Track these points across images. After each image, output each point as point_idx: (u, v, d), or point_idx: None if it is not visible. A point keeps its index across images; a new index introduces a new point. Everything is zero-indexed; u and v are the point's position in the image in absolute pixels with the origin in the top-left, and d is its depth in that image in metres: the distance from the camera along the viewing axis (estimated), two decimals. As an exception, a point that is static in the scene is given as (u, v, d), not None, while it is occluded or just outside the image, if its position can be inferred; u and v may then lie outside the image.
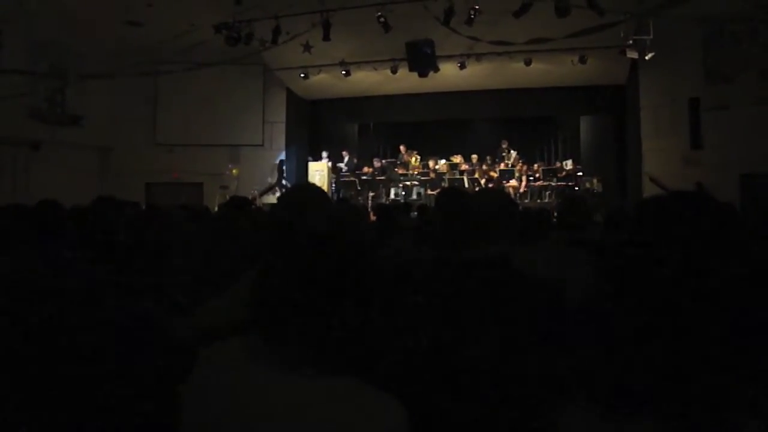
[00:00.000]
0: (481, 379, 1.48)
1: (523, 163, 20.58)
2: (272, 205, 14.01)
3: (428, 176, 20.22)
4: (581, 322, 1.42)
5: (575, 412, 1.29)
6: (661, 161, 17.33)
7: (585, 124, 22.58)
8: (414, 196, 20.00)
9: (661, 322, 1.22)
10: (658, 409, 1.20)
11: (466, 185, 18.86)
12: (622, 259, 1.32)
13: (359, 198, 19.93)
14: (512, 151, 20.99)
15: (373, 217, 8.82)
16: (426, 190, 19.78)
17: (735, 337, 1.18)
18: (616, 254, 1.34)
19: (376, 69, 19.37)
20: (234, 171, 20.68)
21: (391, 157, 22.04)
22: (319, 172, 20.82)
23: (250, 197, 16.63)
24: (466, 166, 20.66)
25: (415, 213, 11.58)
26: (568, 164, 20.10)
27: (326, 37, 15.86)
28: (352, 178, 20.70)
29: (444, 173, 20.27)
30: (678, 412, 1.18)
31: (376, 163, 21.51)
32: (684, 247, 1.23)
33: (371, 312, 1.54)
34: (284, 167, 21.51)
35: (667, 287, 1.22)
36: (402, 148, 21.91)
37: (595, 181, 19.33)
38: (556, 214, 5.97)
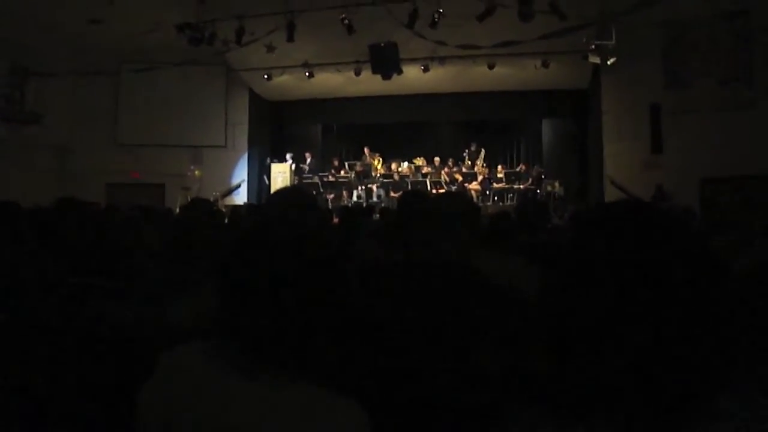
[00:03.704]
0: (441, 382, 1.49)
1: (486, 165, 20.70)
2: (248, 206, 13.88)
3: (391, 178, 20.24)
4: (533, 324, 1.44)
5: (529, 416, 1.30)
6: (622, 165, 17.49)
7: (547, 128, 22.78)
8: (375, 199, 20.01)
9: (605, 330, 1.24)
10: (611, 413, 1.22)
11: (429, 188, 18.94)
12: (567, 266, 1.34)
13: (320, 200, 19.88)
14: (483, 150, 21.09)
15: (335, 220, 8.80)
16: (388, 193, 19.78)
17: (684, 341, 1.20)
18: (561, 261, 1.36)
19: (339, 71, 19.39)
20: (197, 172, 20.54)
21: (354, 159, 22.04)
22: (281, 173, 20.77)
23: (212, 199, 16.55)
24: (429, 169, 20.73)
25: (377, 215, 11.59)
26: (534, 170, 20.24)
27: (290, 39, 15.83)
28: (314, 180, 20.66)
29: (407, 175, 20.31)
30: (631, 416, 1.20)
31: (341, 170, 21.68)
32: (629, 255, 1.26)
33: (339, 316, 1.55)
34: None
35: (610, 297, 1.24)
36: (366, 150, 21.91)
37: (556, 184, 19.47)
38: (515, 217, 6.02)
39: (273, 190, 18.07)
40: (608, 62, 16.07)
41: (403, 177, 20.14)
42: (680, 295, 1.21)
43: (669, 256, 1.24)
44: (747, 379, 1.26)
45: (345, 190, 20.69)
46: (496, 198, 19.90)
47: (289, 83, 20.51)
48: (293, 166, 21.23)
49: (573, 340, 1.27)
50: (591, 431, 1.22)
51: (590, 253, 1.30)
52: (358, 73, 18.95)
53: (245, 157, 21.83)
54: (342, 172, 21.36)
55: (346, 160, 22.17)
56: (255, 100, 22.02)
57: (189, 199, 10.10)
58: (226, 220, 8.53)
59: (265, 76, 20.04)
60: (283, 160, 21.50)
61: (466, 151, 21.23)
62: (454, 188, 19.15)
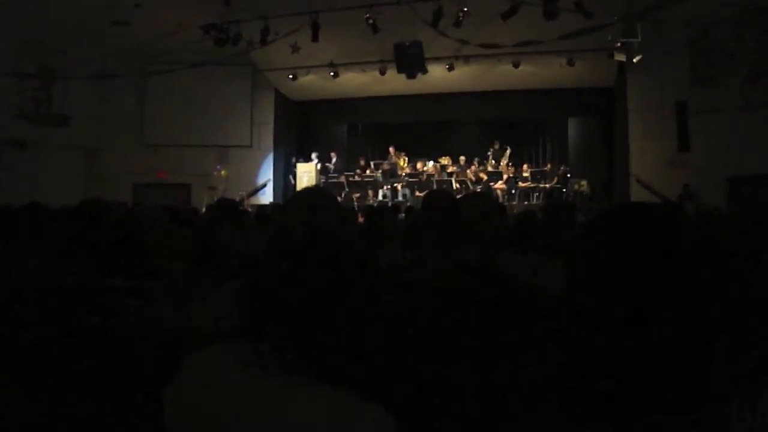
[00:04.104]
0: (467, 386, 1.48)
1: (511, 164, 20.64)
2: (273, 205, 13.88)
3: (417, 178, 20.23)
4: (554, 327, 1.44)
5: (544, 419, 1.30)
6: (648, 163, 17.38)
7: (573, 126, 22.66)
8: (400, 198, 19.99)
9: (620, 335, 1.23)
10: (619, 418, 1.21)
11: (455, 187, 18.91)
12: (587, 269, 1.34)
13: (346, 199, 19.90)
14: (508, 149, 21.07)
15: (361, 219, 8.79)
16: (414, 192, 19.74)
17: (695, 348, 1.20)
18: (580, 264, 1.36)
19: (364, 70, 19.39)
20: (223, 172, 20.60)
21: (379, 159, 22.03)
22: (306, 173, 20.81)
23: (238, 199, 16.58)
24: (454, 168, 20.67)
25: (403, 215, 11.56)
26: (560, 169, 20.16)
27: (315, 38, 15.86)
28: (340, 180, 20.68)
29: (432, 175, 20.26)
30: (640, 421, 1.20)
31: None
32: (651, 255, 1.26)
33: (368, 319, 1.54)
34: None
35: (624, 299, 1.24)
36: (391, 149, 21.90)
37: (584, 183, 19.37)
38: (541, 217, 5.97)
39: (298, 189, 18.09)
40: (634, 60, 15.97)
41: (428, 176, 20.08)
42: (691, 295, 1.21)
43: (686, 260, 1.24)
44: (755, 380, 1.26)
45: (371, 189, 20.67)
46: (521, 197, 19.80)
47: (315, 83, 20.54)
48: (318, 165, 21.29)
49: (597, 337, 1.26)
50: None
51: (614, 251, 1.30)
52: (383, 73, 18.94)
53: (271, 156, 21.91)
54: (368, 172, 21.37)
55: (372, 160, 22.17)
56: (280, 100, 22.09)
57: (215, 199, 10.14)
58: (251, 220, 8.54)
59: (291, 76, 20.10)
60: (308, 159, 21.53)
61: (490, 150, 21.18)
62: (479, 188, 19.09)
